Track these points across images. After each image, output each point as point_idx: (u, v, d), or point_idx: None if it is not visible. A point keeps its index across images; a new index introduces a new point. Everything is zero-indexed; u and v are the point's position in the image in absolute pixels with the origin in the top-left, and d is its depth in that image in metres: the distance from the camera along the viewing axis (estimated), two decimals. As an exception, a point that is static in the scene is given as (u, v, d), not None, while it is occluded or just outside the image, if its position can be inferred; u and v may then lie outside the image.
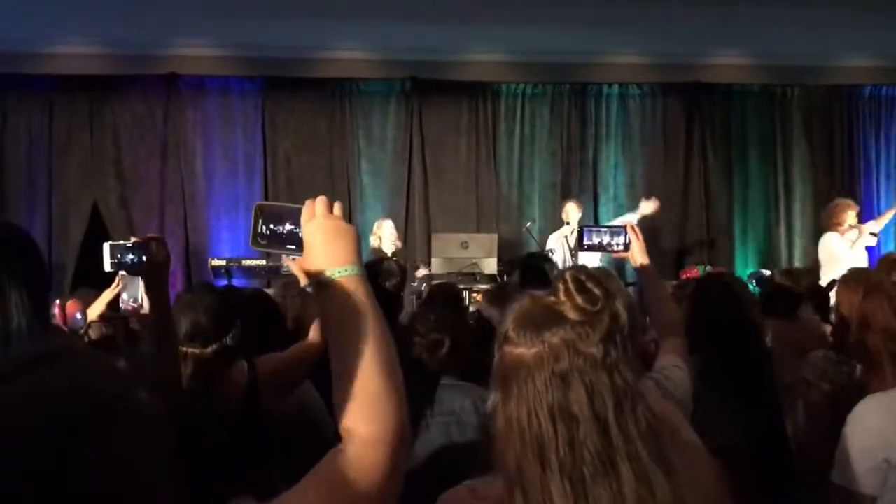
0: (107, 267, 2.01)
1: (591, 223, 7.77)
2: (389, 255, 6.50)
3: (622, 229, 2.29)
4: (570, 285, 1.21)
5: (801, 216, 9.00)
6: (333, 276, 1.10)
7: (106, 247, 2.02)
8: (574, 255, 6.93)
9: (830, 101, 9.08)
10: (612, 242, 2.30)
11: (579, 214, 7.26)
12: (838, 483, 1.85)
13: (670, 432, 1.25)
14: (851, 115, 9.12)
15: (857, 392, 2.07)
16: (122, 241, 2.03)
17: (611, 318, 1.19)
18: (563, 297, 1.20)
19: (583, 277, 1.23)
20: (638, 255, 2.26)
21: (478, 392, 2.30)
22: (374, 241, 6.95)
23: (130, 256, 1.96)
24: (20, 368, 0.79)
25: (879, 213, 7.53)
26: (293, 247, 1.19)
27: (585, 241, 2.36)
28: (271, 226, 1.20)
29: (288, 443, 2.23)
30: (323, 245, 1.12)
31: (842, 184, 9.05)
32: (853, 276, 2.94)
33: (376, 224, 7.09)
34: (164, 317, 1.92)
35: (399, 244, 6.99)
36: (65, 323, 4.44)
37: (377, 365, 1.05)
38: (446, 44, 8.29)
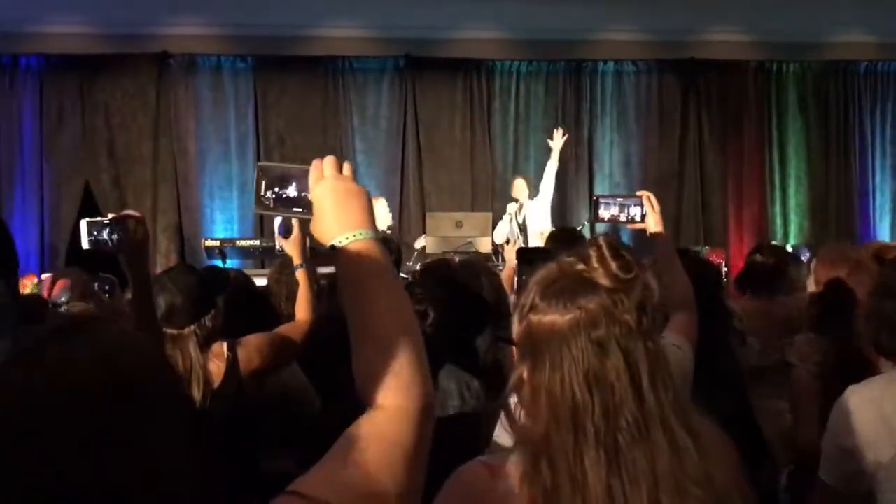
0: (84, 244, 1.94)
1: (604, 194, 7.69)
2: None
3: (638, 199, 2.26)
4: (606, 251, 1.19)
5: (796, 193, 8.99)
6: (349, 241, 1.04)
7: (83, 224, 1.95)
8: (523, 231, 6.92)
9: (826, 77, 9.03)
10: (629, 213, 2.27)
11: (527, 192, 7.18)
12: (826, 481, 1.78)
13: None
14: (847, 92, 9.07)
15: (840, 372, 2.04)
16: (99, 218, 1.95)
17: (643, 287, 1.18)
18: (595, 264, 1.19)
19: (617, 245, 1.21)
20: (653, 226, 2.23)
21: (464, 377, 2.27)
22: None
23: (107, 234, 1.89)
24: (43, 341, 0.73)
25: None
26: (300, 209, 1.13)
27: (601, 213, 2.31)
28: (276, 188, 1.14)
29: (268, 423, 2.22)
30: (335, 208, 1.06)
31: (837, 160, 9.03)
32: (829, 252, 2.91)
33: None
34: (144, 297, 1.90)
35: (391, 222, 6.99)
36: (49, 296, 4.45)
37: (401, 332, 1.00)
38: (440, 21, 8.22)
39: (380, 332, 1.00)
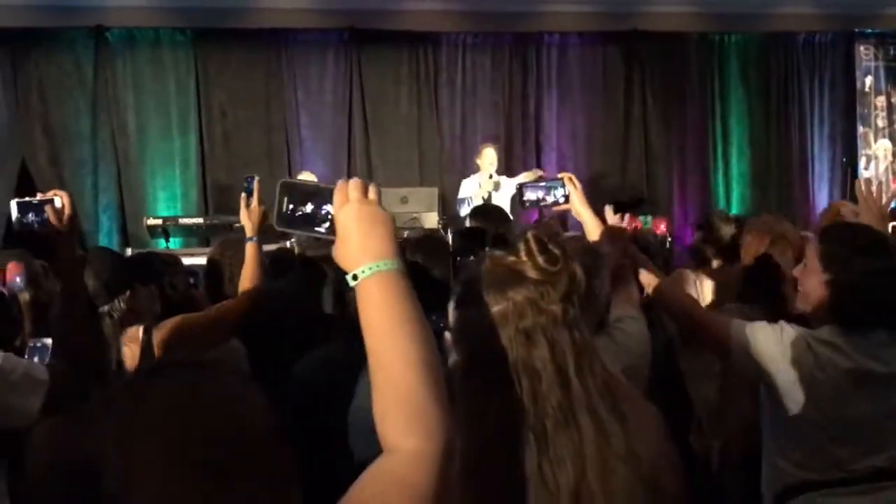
0: (15, 226, 1.85)
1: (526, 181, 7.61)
2: None
3: (560, 181, 2.29)
4: (533, 245, 1.25)
5: (738, 162, 9.16)
6: (373, 272, 1.01)
7: (13, 204, 1.86)
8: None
9: (767, 48, 9.18)
10: (552, 196, 2.30)
11: (495, 163, 6.72)
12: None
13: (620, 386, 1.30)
14: (787, 63, 9.23)
15: None
16: (27, 199, 1.85)
17: (569, 278, 1.24)
18: (524, 258, 1.24)
19: (545, 239, 1.27)
20: (578, 206, 2.27)
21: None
22: None
23: (33, 215, 1.81)
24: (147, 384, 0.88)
25: None
26: (321, 229, 1.10)
27: (525, 198, 2.36)
28: (301, 207, 1.10)
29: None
30: (360, 235, 1.03)
31: (777, 130, 9.22)
32: (759, 225, 2.99)
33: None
34: (73, 280, 1.85)
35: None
36: (3, 285, 4.30)
37: (422, 372, 0.97)
38: (385, -8, 8.13)
39: (397, 371, 0.97)
